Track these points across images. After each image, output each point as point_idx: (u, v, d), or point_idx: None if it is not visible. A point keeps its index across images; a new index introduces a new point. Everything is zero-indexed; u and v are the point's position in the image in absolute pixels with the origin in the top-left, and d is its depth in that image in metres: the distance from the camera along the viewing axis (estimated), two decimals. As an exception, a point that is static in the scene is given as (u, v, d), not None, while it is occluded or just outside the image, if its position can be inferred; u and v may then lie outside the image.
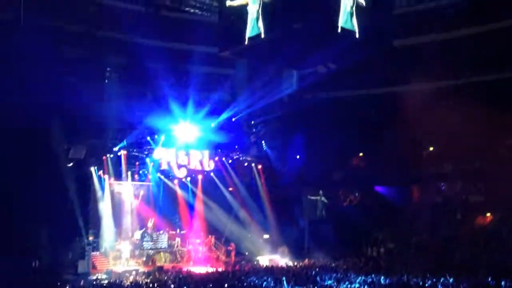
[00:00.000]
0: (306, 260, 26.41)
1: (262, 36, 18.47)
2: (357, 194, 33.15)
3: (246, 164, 30.68)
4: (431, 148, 31.73)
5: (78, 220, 24.56)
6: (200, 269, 23.65)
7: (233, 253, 27.89)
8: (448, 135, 27.54)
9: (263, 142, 30.45)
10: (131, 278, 20.63)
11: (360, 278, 18.50)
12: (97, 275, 22.11)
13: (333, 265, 23.79)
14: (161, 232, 27.33)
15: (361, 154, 33.70)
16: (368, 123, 32.51)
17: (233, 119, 29.32)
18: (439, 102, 28.44)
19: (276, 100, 31.49)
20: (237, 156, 30.30)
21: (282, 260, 26.67)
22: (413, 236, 28.53)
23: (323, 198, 31.70)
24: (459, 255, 24.80)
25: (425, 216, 29.61)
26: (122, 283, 18.40)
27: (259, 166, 31.09)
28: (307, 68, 27.71)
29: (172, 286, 17.05)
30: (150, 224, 27.50)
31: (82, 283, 19.04)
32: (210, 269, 23.29)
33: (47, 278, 20.56)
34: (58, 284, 19.02)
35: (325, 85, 33.18)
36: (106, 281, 19.67)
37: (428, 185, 31.85)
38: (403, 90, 32.00)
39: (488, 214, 28.35)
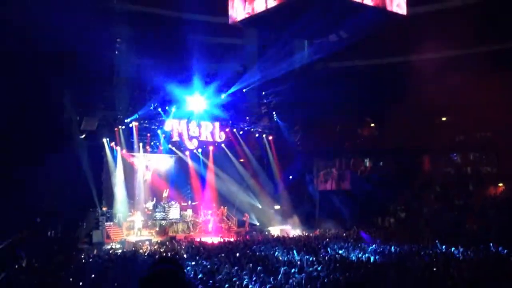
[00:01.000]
0: (317, 230, 26.64)
1: (273, 4, 18.11)
2: (368, 165, 33.13)
3: (257, 135, 30.66)
4: (443, 118, 31.45)
5: (91, 191, 24.87)
6: (212, 239, 23.95)
7: (247, 223, 28.19)
8: (461, 105, 27.23)
9: (274, 113, 30.30)
10: (144, 248, 20.98)
11: (370, 247, 18.65)
12: (111, 244, 22.51)
13: (343, 235, 23.99)
14: (173, 203, 27.61)
15: (372, 124, 33.50)
16: (380, 93, 32.17)
17: (244, 90, 29.13)
18: (452, 71, 27.99)
19: (287, 70, 31.17)
20: (248, 127, 30.25)
21: (293, 230, 26.91)
22: (424, 206, 28.55)
23: (333, 169, 31.73)
24: (470, 225, 24.83)
25: (436, 187, 29.60)
26: (136, 252, 18.74)
27: (270, 137, 31.06)
28: (319, 37, 27.24)
29: (185, 255, 17.31)
30: (165, 194, 27.81)
31: (95, 252, 19.42)
32: (222, 239, 23.59)
33: (63, 247, 21.02)
34: (74, 253, 19.45)
35: (337, 55, 32.77)
36: (120, 251, 20.04)
37: (440, 156, 31.71)
38: (416, 59, 31.53)
39: (500, 185, 28.23)
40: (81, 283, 11.61)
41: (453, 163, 31.87)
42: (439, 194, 29.31)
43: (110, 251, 19.74)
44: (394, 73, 32.45)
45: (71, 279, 12.27)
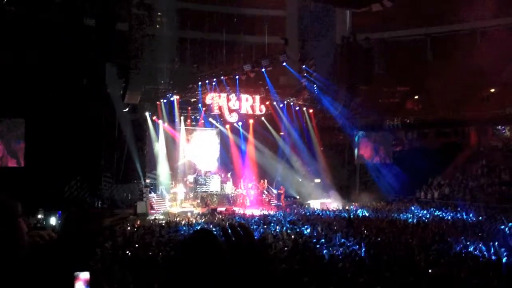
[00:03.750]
0: (357, 204, 26.50)
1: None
2: (411, 138, 32.41)
3: (297, 108, 30.43)
4: (492, 90, 30.25)
5: (135, 163, 25.48)
6: (252, 212, 24.18)
7: (282, 196, 28.27)
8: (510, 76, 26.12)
9: (314, 86, 29.89)
10: (186, 219, 21.42)
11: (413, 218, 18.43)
12: (155, 215, 23.11)
13: (386, 209, 23.82)
14: (214, 175, 27.95)
15: (416, 96, 32.62)
16: (424, 64, 31.22)
17: (284, 63, 28.81)
18: (502, 40, 26.76)
19: (328, 41, 30.62)
20: (288, 100, 30.05)
21: (333, 203, 26.81)
22: (469, 181, 27.81)
23: (375, 142, 31.24)
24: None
25: (483, 160, 28.72)
26: (179, 223, 19.18)
27: (311, 110, 30.77)
28: (361, 6, 26.60)
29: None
30: (206, 167, 28.16)
31: (139, 222, 19.98)
32: (263, 212, 23.83)
33: (109, 217, 21.71)
34: (121, 222, 20.07)
35: (379, 26, 31.98)
36: (163, 221, 20.54)
37: (487, 129, 30.66)
38: (462, 28, 30.33)
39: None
40: (128, 252, 11.97)
41: (501, 136, 30.74)
42: (485, 169, 28.43)
43: (153, 222, 20.28)
44: (439, 44, 31.39)
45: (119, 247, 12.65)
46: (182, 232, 16.56)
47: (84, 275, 2.14)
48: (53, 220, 19.17)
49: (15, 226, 2.10)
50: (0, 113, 22.46)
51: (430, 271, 9.08)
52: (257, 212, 24.15)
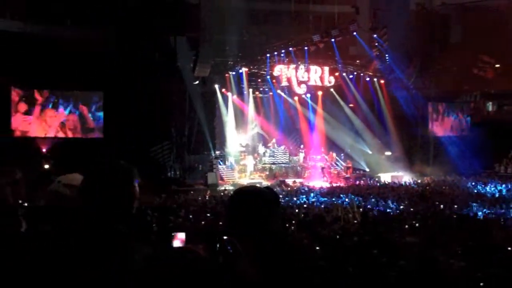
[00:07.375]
0: (430, 178, 25.67)
1: None
2: (490, 109, 30.66)
3: (368, 79, 29.59)
4: None
5: (205, 135, 26.06)
6: (320, 184, 24.12)
7: (350, 170, 27.83)
8: None
9: (386, 55, 28.84)
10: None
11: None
12: (224, 186, 23.66)
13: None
14: (282, 147, 27.99)
15: (497, 65, 30.62)
16: (506, 31, 29.18)
17: (355, 33, 27.99)
18: None
19: (402, 8, 29.28)
20: (358, 71, 29.27)
21: (405, 177, 26.12)
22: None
23: (451, 113, 29.89)
24: None
25: None
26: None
27: (382, 81, 29.82)
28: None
29: (294, 198, 17.69)
30: (273, 140, 28.30)
31: (208, 192, 20.58)
32: (331, 184, 23.70)
33: (181, 187, 22.58)
34: (191, 192, 20.81)
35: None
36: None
37: None
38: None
39: None
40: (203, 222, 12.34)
41: None
42: None
43: (223, 192, 20.78)
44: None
45: (191, 217, 13.10)
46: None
47: (181, 235, 2.60)
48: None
49: (133, 187, 2.43)
50: (83, 86, 23.70)
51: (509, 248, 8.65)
52: (325, 184, 24.07)
